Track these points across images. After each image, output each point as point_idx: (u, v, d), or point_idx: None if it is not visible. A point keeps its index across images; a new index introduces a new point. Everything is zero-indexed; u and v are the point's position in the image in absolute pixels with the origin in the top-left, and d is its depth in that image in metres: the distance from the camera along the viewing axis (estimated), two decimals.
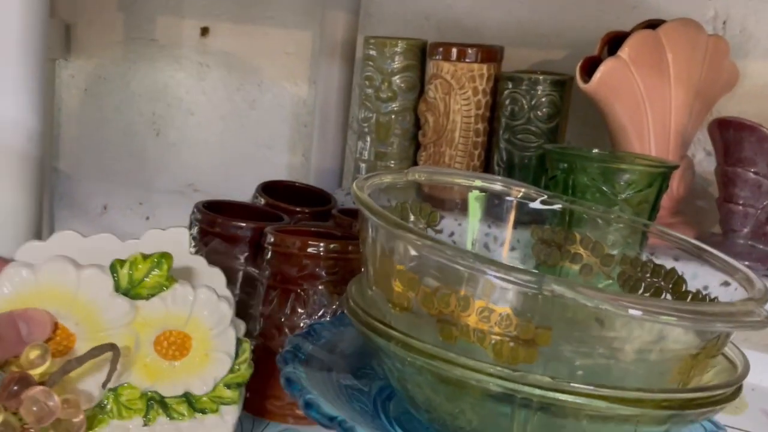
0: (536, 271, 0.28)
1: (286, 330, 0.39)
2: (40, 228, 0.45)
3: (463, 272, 0.25)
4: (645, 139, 0.49)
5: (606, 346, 0.25)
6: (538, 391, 0.23)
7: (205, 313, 0.32)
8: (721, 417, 0.49)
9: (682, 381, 0.26)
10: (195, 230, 0.44)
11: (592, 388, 0.23)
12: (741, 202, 0.46)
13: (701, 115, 0.51)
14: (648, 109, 0.48)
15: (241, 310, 0.43)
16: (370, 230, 0.29)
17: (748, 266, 0.46)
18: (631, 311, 0.23)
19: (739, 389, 0.27)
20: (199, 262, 0.36)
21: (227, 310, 0.33)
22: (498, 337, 0.24)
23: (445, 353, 0.25)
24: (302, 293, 0.39)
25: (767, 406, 0.52)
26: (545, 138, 0.50)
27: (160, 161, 0.83)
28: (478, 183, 0.37)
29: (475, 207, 0.39)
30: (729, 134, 0.45)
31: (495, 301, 0.24)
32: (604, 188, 0.41)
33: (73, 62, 0.86)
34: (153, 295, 0.31)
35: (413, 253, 0.26)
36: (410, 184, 0.38)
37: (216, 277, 0.35)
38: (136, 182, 0.85)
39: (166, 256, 0.31)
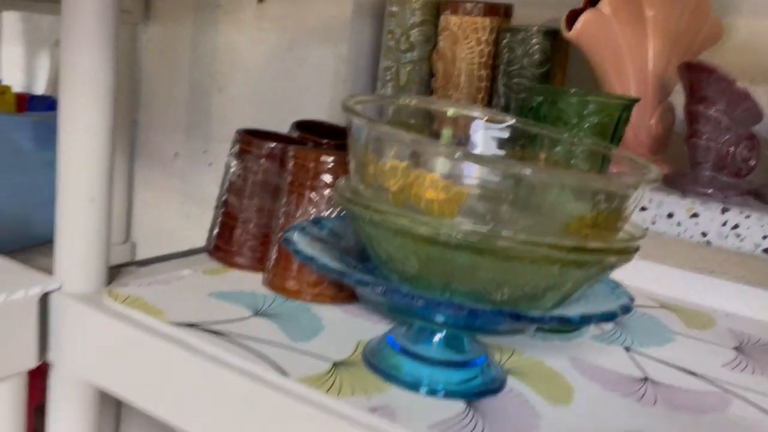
0: (459, 147, 0.36)
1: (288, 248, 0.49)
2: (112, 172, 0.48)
3: (406, 149, 0.33)
4: (625, 83, 0.56)
5: (511, 205, 0.33)
6: (454, 234, 0.32)
7: None
8: (688, 330, 0.55)
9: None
10: (235, 149, 0.55)
11: (488, 231, 0.31)
12: (704, 137, 0.52)
13: None
14: (627, 56, 0.55)
15: (270, 212, 0.54)
16: (352, 129, 0.38)
17: (711, 194, 0.53)
18: (524, 172, 0.31)
19: (625, 252, 0.35)
20: None
21: None
22: (428, 196, 0.33)
23: (392, 209, 0.34)
24: (314, 196, 0.49)
25: (735, 327, 0.58)
26: (537, 82, 0.57)
27: (222, 114, 0.95)
28: (452, 111, 0.45)
29: (453, 130, 0.47)
30: (693, 75, 0.51)
31: (427, 169, 0.33)
32: (571, 117, 0.49)
33: (152, 27, 0.99)
34: None
35: (374, 138, 0.35)
36: (410, 111, 0.46)
37: None
38: (202, 133, 0.97)
39: None
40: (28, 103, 0.93)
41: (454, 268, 0.34)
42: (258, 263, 0.54)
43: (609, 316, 0.35)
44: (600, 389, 0.43)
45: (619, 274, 0.70)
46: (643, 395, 0.43)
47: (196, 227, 0.99)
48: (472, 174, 0.32)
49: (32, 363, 0.45)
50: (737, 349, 0.53)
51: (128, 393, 0.43)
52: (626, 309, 0.36)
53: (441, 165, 0.32)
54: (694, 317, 0.60)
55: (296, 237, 0.39)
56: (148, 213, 1.04)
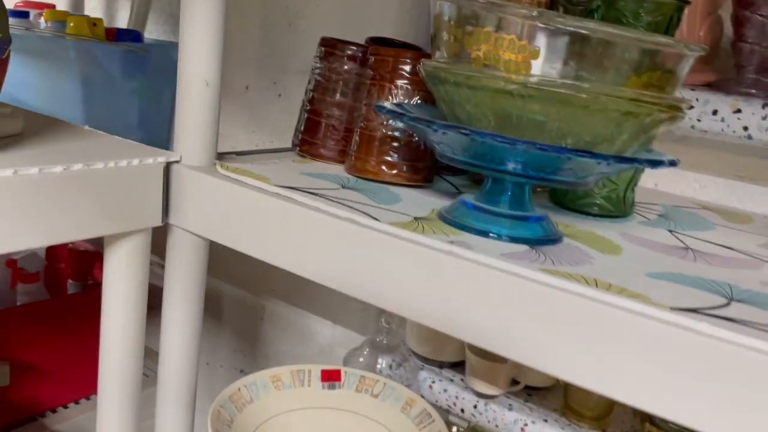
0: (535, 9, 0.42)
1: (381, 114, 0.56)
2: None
3: (486, 14, 0.40)
4: None
5: (577, 62, 0.39)
6: (528, 84, 0.38)
7: None
8: (727, 223, 0.61)
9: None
10: (321, 51, 0.62)
11: (558, 81, 0.38)
12: (749, 41, 0.57)
13: None
14: None
15: (350, 108, 0.61)
16: (437, 10, 0.44)
17: (754, 94, 0.58)
18: (587, 27, 0.37)
19: (675, 108, 0.41)
20: None
21: None
22: (506, 57, 0.39)
23: (472, 67, 0.40)
24: (393, 87, 0.56)
25: None
26: None
27: (291, 47, 1.02)
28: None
29: None
30: None
31: (504, 31, 0.39)
32: (628, 18, 0.54)
33: None
34: None
35: (458, 9, 0.41)
36: None
37: None
38: (271, 65, 1.05)
39: None
40: (115, 36, 1.01)
41: (526, 121, 0.40)
42: (339, 155, 0.62)
43: (657, 163, 0.41)
44: (646, 249, 0.49)
45: (664, 184, 0.75)
46: (684, 256, 0.49)
47: None
48: (545, 34, 0.38)
49: (157, 221, 0.53)
50: None
51: (238, 243, 0.51)
52: (673, 163, 0.42)
53: (518, 27, 0.39)
54: (734, 215, 0.65)
55: (386, 104, 0.46)
56: (220, 143, 1.13)
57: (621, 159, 0.39)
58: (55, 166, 0.45)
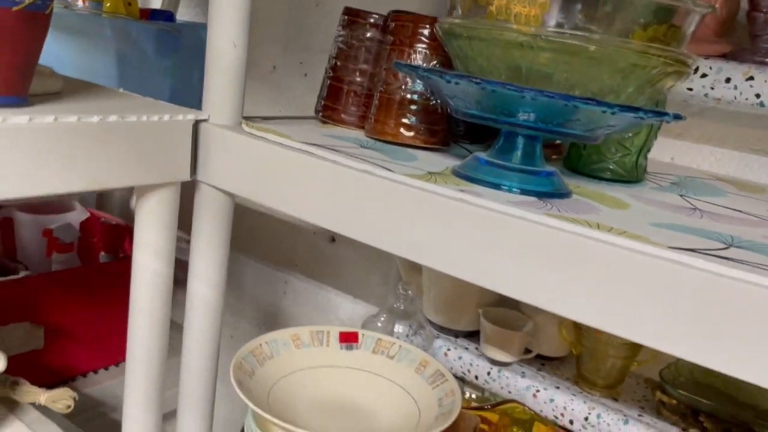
0: None
1: (400, 76, 0.58)
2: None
3: None
4: None
5: (586, 16, 0.41)
6: (539, 35, 0.40)
7: None
8: (739, 191, 0.62)
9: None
10: (344, 19, 0.64)
11: (567, 33, 0.39)
12: (764, 9, 0.58)
13: None
14: None
15: (371, 75, 0.63)
16: None
17: (767, 63, 0.58)
18: None
19: (682, 63, 0.42)
20: None
21: None
22: (517, 11, 0.41)
23: (485, 21, 0.42)
24: (412, 52, 0.58)
25: None
26: None
27: (318, 27, 1.05)
28: None
29: None
30: None
31: None
32: None
33: None
34: None
35: None
36: None
37: None
38: (298, 46, 1.07)
39: None
40: (149, 15, 1.05)
41: (535, 74, 0.42)
42: (360, 121, 0.64)
43: (662, 114, 0.42)
44: (653, 208, 0.50)
45: (680, 157, 0.76)
46: (691, 214, 0.50)
47: None
48: None
49: (186, 176, 0.56)
50: None
51: (262, 197, 0.54)
52: (678, 116, 0.43)
53: None
54: (747, 186, 0.66)
55: (402, 65, 0.48)
56: None
57: (626, 108, 0.41)
58: (92, 116, 0.48)
